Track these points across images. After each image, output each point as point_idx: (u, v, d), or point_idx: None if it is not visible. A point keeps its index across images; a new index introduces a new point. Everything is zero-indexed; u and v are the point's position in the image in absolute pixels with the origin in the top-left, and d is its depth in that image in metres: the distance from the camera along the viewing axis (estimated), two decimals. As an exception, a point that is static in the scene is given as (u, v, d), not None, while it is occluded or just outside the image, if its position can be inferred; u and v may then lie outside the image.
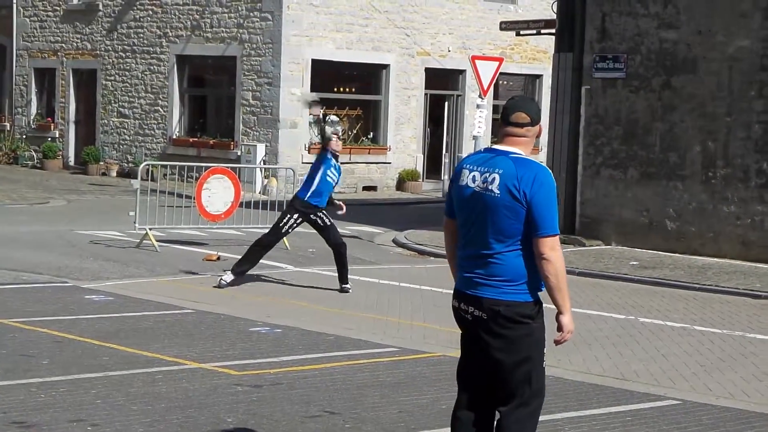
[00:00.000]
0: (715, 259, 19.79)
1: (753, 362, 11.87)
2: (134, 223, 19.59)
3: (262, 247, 15.67)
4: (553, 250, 6.47)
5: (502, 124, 6.72)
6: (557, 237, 6.53)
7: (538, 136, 6.77)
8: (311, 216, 15.54)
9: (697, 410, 9.71)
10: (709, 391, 10.56)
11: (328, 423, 8.76)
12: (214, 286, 15.43)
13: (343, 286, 15.60)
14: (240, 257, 15.93)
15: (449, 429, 8.66)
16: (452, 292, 6.81)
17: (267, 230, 16.21)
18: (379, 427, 8.70)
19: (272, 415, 8.90)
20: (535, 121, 6.67)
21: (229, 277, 15.50)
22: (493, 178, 6.52)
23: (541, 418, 9.06)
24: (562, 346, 12.10)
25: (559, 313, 6.59)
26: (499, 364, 6.61)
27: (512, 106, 6.70)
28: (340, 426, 8.69)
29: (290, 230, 15.80)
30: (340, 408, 9.23)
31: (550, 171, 6.63)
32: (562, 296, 6.53)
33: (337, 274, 15.72)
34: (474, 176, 6.61)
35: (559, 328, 6.61)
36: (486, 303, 6.56)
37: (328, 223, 15.63)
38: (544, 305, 6.68)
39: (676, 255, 20.32)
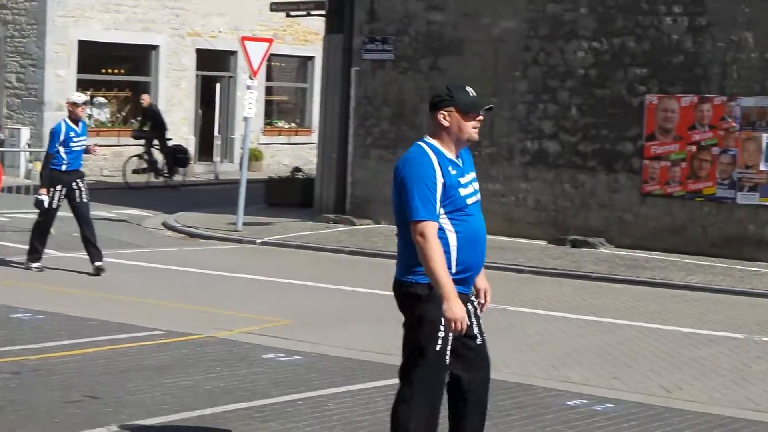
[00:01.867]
0: (482, 236, 20.15)
1: (514, 334, 12.16)
2: None
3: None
4: (419, 235, 6.40)
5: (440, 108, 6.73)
6: (423, 222, 6.38)
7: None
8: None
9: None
10: (470, 364, 10.75)
11: (89, 407, 8.59)
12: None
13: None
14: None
15: (213, 409, 8.64)
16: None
17: (32, 215, 15.94)
18: (142, 410, 8.58)
19: (31, 401, 8.68)
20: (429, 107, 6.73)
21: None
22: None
23: (307, 394, 9.16)
24: (327, 323, 12.23)
25: (443, 300, 6.43)
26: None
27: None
28: (101, 410, 8.53)
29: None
30: (102, 393, 9.06)
31: (426, 153, 6.56)
32: (435, 282, 6.41)
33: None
34: None
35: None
36: (395, 285, 6.76)
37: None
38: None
39: (444, 233, 20.62)
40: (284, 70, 38.32)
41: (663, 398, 9.59)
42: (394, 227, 19.78)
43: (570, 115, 19.90)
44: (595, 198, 19.64)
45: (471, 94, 6.71)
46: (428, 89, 21.38)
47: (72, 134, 15.27)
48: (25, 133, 30.49)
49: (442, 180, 6.51)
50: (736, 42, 18.41)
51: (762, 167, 18.15)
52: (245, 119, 21.57)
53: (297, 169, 26.67)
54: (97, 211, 17.21)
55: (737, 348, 11.83)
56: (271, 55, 26.00)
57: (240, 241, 19.62)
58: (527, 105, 20.35)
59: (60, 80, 30.74)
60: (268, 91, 37.04)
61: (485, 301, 6.96)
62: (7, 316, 12.23)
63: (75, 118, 15.39)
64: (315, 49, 36.01)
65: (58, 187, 15.31)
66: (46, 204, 15.29)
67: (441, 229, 6.49)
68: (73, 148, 15.29)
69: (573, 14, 19.87)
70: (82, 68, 31.39)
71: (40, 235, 15.60)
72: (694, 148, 18.82)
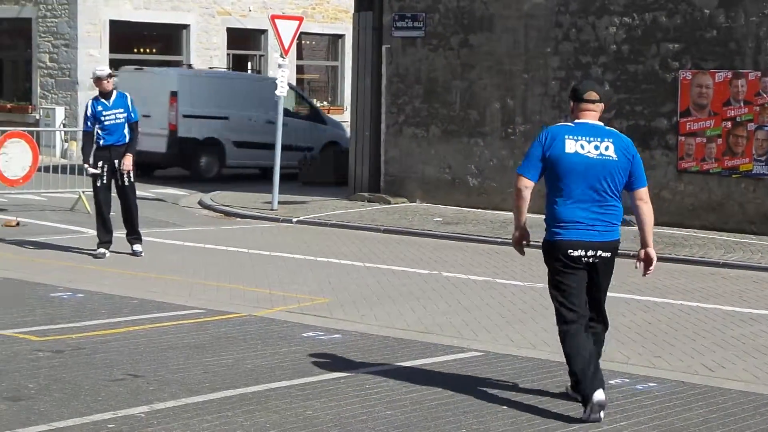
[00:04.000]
0: (516, 214, 20.12)
1: (553, 313, 12.10)
2: (-72, 190, 18.99)
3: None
4: (648, 196, 8.34)
5: (580, 102, 8.38)
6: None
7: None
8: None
9: (499, 361, 9.88)
10: (511, 342, 10.76)
11: (131, 386, 8.64)
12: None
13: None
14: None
15: (254, 387, 8.67)
16: (564, 246, 8.23)
17: (68, 194, 15.86)
18: (183, 387, 8.62)
19: (74, 380, 8.73)
20: (602, 99, 8.45)
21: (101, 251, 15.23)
22: (608, 145, 8.21)
23: (347, 373, 9.20)
24: (366, 302, 12.25)
25: (649, 246, 8.33)
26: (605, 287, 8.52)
27: (586, 85, 8.60)
28: (144, 388, 8.58)
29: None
30: (144, 371, 9.11)
31: None
32: (652, 231, 8.33)
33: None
34: (582, 144, 8.19)
35: (651, 261, 8.38)
36: (614, 244, 8.27)
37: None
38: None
39: (479, 210, 20.65)
40: (314, 49, 38.29)
41: (705, 377, 9.55)
42: (430, 205, 19.94)
43: (603, 92, 19.76)
44: (631, 175, 19.53)
45: None
46: (460, 66, 21.34)
47: (100, 108, 15.16)
48: (60, 112, 30.66)
49: None
50: (772, 17, 18.28)
51: (800, 143, 18.04)
52: (277, 98, 21.56)
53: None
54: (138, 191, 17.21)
55: (778, 326, 11.78)
56: (301, 33, 25.97)
57: (276, 220, 19.66)
58: (559, 81, 20.27)
59: (93, 60, 30.77)
60: (299, 69, 37.03)
61: None
62: (48, 295, 12.31)
63: (103, 92, 15.29)
64: (345, 27, 35.99)
65: (100, 164, 15.18)
66: (92, 171, 15.14)
67: None
68: (106, 123, 15.15)
69: (605, -11, 19.78)
70: (114, 48, 31.52)
71: (99, 218, 15.34)
72: (729, 124, 18.71)
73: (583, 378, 8.10)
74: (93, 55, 30.93)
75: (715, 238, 17.84)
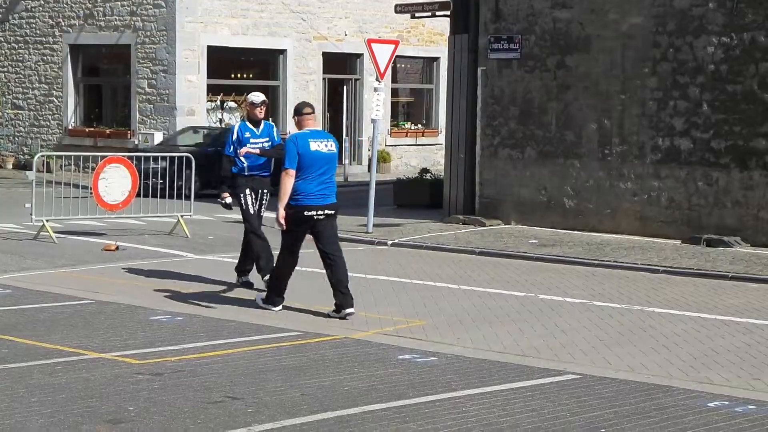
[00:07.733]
0: (613, 235, 20.04)
1: (651, 335, 12.04)
2: (31, 215, 19.33)
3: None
4: None
5: (301, 115, 12.65)
6: None
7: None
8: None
9: (597, 384, 9.83)
10: (609, 364, 10.69)
11: (230, 408, 8.73)
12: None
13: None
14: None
15: (351, 410, 8.72)
16: (302, 209, 12.49)
17: (167, 218, 15.81)
18: (281, 410, 8.68)
19: (174, 403, 8.84)
20: (314, 110, 13.02)
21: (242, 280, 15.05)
22: (331, 144, 12.58)
23: (444, 395, 9.20)
24: (461, 324, 12.21)
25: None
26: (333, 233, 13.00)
27: (305, 104, 12.87)
28: (243, 410, 8.66)
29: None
30: (243, 393, 9.20)
31: None
32: None
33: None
34: (318, 144, 12.46)
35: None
36: (335, 205, 12.73)
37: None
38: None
39: (575, 232, 20.53)
40: (409, 72, 38.44)
41: (807, 399, 9.43)
42: (525, 227, 20.03)
43: (701, 112, 19.63)
44: (729, 196, 19.33)
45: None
46: (556, 87, 21.28)
47: (248, 134, 14.59)
48: (158, 137, 31.08)
49: None
50: None
51: None
52: (373, 121, 21.66)
53: (425, 170, 26.74)
54: (234, 214, 17.38)
55: None
56: (397, 56, 26.10)
57: (371, 243, 19.72)
58: (657, 102, 20.12)
59: (191, 85, 31.26)
60: (394, 92, 37.20)
61: None
62: (147, 319, 12.48)
63: (253, 119, 14.77)
64: (440, 49, 36.11)
65: (247, 191, 14.68)
66: (227, 200, 14.89)
67: None
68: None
69: (701, 9, 19.59)
70: (211, 73, 31.93)
71: (259, 246, 14.82)
72: (830, 143, 18.42)
73: (283, 281, 13.08)
74: (191, 80, 31.37)
75: (817, 259, 17.57)
